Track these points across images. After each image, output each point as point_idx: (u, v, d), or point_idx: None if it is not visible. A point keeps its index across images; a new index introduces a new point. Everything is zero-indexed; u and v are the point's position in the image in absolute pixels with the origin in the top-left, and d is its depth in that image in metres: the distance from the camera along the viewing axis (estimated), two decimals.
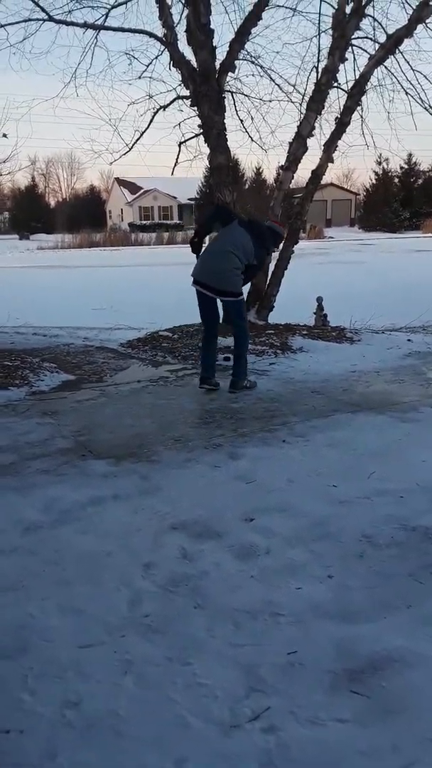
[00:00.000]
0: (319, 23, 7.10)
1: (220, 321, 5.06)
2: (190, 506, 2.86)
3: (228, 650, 1.89)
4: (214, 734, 1.58)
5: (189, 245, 4.96)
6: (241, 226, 4.77)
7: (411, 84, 7.31)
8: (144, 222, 48.74)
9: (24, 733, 1.59)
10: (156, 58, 7.16)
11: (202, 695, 1.71)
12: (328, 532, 2.59)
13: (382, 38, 6.93)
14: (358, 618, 2.02)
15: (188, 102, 6.92)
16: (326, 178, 8.49)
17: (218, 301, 4.85)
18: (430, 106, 7.33)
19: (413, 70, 7.29)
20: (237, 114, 7.67)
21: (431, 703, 1.66)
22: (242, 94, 7.64)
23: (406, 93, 7.33)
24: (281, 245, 5.14)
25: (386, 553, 2.41)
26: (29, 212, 49.68)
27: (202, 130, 6.85)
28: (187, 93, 6.88)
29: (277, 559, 2.40)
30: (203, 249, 4.82)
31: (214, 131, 6.69)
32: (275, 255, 7.17)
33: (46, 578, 2.29)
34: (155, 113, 7.30)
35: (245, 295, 4.99)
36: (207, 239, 5.02)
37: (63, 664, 1.83)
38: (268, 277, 7.17)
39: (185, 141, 7.35)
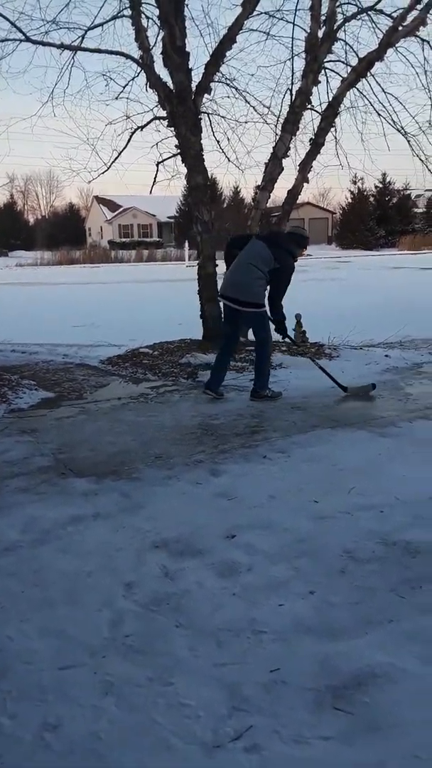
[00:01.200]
0: (292, 47, 7.24)
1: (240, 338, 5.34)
2: (171, 524, 2.84)
3: (210, 669, 1.87)
4: (196, 755, 1.56)
5: None
6: (258, 239, 5.10)
7: (383, 106, 7.48)
8: (123, 239, 48.85)
9: (2, 757, 1.56)
10: (132, 79, 7.24)
11: (184, 715, 1.69)
12: (309, 548, 2.59)
13: (354, 61, 7.09)
14: (341, 634, 2.01)
15: (165, 123, 7.00)
16: (303, 198, 8.62)
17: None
18: (402, 127, 7.50)
19: (385, 93, 7.46)
20: (213, 135, 7.77)
21: (415, 718, 1.66)
22: (218, 115, 7.75)
23: (379, 114, 7.49)
24: (305, 247, 5.28)
25: (368, 568, 2.42)
26: (8, 229, 49.53)
27: (179, 151, 6.93)
28: (164, 114, 6.96)
29: (259, 576, 2.39)
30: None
31: (191, 151, 6.77)
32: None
33: (26, 599, 2.26)
34: (132, 133, 7.37)
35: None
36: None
37: (43, 687, 1.80)
38: None
39: (163, 161, 7.42)
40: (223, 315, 5.18)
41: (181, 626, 2.09)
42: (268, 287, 5.03)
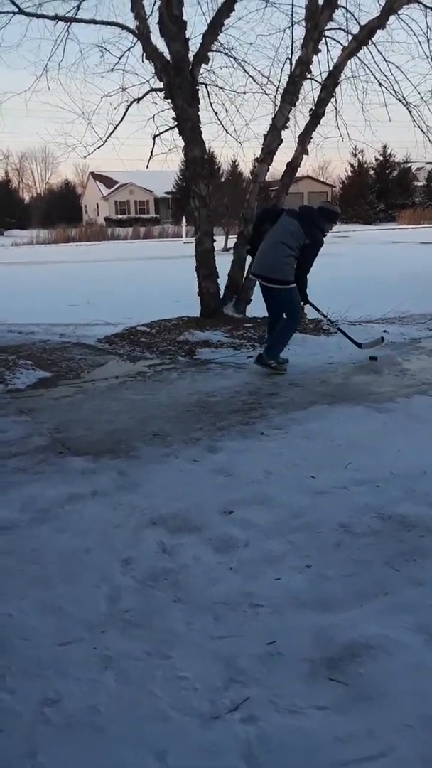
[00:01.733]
0: (292, 15, 7.09)
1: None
2: (169, 501, 2.86)
3: (207, 642, 1.90)
4: (194, 726, 1.59)
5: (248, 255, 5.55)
6: (288, 216, 5.12)
7: (384, 75, 7.33)
8: (120, 216, 48.33)
9: (3, 732, 1.59)
10: (128, 50, 7.09)
11: (181, 688, 1.72)
12: (305, 523, 2.61)
13: (355, 29, 6.94)
14: (336, 607, 2.04)
15: (162, 94, 6.87)
16: (302, 171, 8.51)
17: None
18: (403, 97, 7.37)
19: (386, 62, 7.31)
20: (211, 106, 7.64)
21: (408, 689, 1.69)
22: (216, 86, 7.62)
23: (380, 84, 7.35)
24: (335, 222, 5.35)
25: (363, 541, 2.44)
26: (3, 208, 48.87)
27: (176, 123, 6.81)
28: (160, 85, 6.83)
29: (255, 551, 2.41)
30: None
31: (188, 124, 6.65)
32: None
33: (25, 577, 2.28)
34: (129, 106, 7.24)
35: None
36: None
37: (42, 663, 1.83)
38: (245, 271, 7.18)
39: (160, 134, 7.29)
40: (261, 294, 5.32)
41: (179, 601, 2.12)
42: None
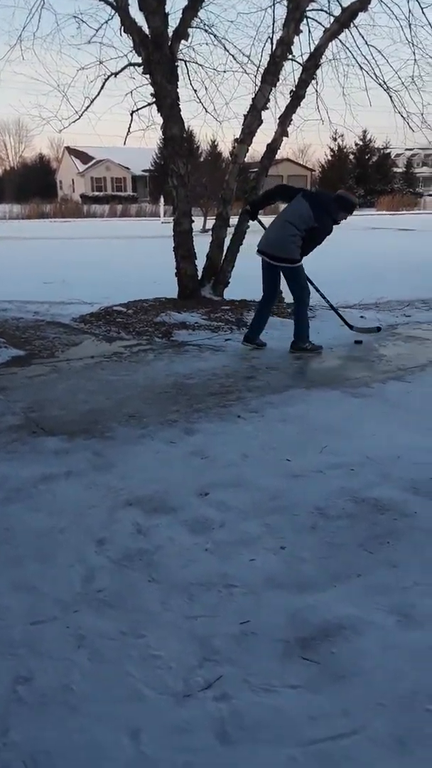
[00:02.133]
0: None
1: (278, 292, 5.51)
2: (144, 482, 2.85)
3: (182, 622, 1.90)
4: (167, 705, 1.59)
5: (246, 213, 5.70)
6: (303, 197, 5.13)
7: (366, 59, 7.29)
8: (96, 193, 47.49)
9: None
10: (106, 22, 6.90)
11: (155, 667, 1.72)
12: (281, 506, 2.63)
13: (337, 11, 6.85)
14: (310, 588, 2.06)
15: (140, 69, 6.71)
16: (282, 154, 8.44)
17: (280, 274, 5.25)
18: (384, 82, 7.34)
19: (368, 45, 7.29)
20: (191, 84, 7.51)
21: (380, 668, 1.71)
22: (196, 63, 7.49)
23: (361, 68, 7.30)
24: (351, 212, 5.31)
25: (337, 524, 2.47)
26: None
27: (154, 99, 6.67)
28: (139, 60, 6.67)
29: (231, 533, 2.42)
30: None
31: (167, 100, 6.53)
32: (230, 230, 7.15)
33: None
34: (106, 80, 7.07)
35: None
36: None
37: (14, 642, 1.81)
38: (224, 252, 7.13)
39: (137, 110, 7.14)
40: (261, 271, 5.35)
41: (154, 581, 2.11)
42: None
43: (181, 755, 1.45)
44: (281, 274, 5.27)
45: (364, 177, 44.84)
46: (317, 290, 5.56)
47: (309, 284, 5.40)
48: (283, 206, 5.36)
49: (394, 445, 3.21)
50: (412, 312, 7.15)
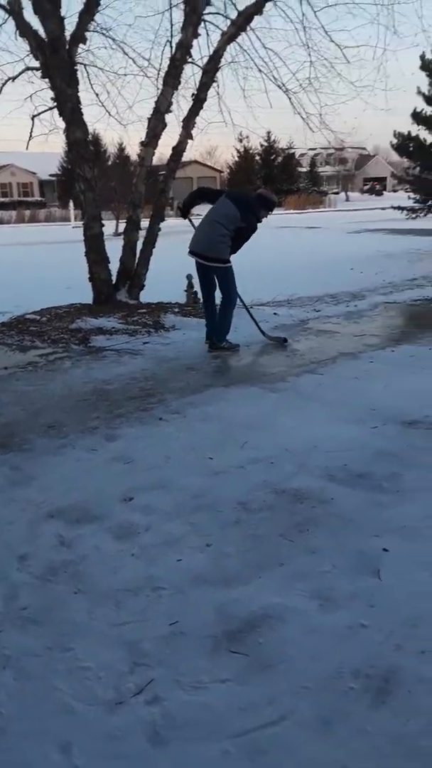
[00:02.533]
0: None
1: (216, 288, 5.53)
2: (66, 492, 2.80)
3: (110, 630, 1.89)
4: (98, 715, 1.58)
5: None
6: (227, 198, 5.31)
7: (264, 62, 7.46)
8: (2, 199, 45.88)
9: None
10: (0, 26, 6.70)
11: (85, 678, 1.70)
12: (205, 503, 2.66)
13: (234, 14, 6.99)
14: (236, 581, 2.10)
15: (39, 73, 6.57)
16: (190, 156, 8.51)
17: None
18: (283, 84, 7.55)
19: (265, 48, 7.43)
20: (92, 87, 7.42)
21: (304, 653, 1.77)
22: (96, 66, 7.41)
23: (260, 70, 7.46)
24: (272, 210, 5.54)
25: (259, 516, 2.53)
26: None
27: (55, 104, 6.55)
28: (36, 64, 6.52)
29: (157, 535, 2.43)
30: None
31: (68, 105, 6.43)
32: (142, 234, 7.13)
33: None
34: (3, 84, 6.86)
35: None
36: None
37: None
38: (137, 256, 7.10)
39: (38, 114, 6.99)
40: (196, 271, 5.51)
41: (80, 592, 2.09)
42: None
43: (114, 763, 1.45)
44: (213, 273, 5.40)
45: (270, 177, 45.79)
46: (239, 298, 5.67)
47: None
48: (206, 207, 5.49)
49: (310, 436, 3.32)
50: (321, 307, 7.40)
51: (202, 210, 5.60)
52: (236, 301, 5.49)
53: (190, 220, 5.70)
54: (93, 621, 1.94)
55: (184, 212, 5.63)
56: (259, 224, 5.39)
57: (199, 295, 7.34)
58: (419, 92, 13.06)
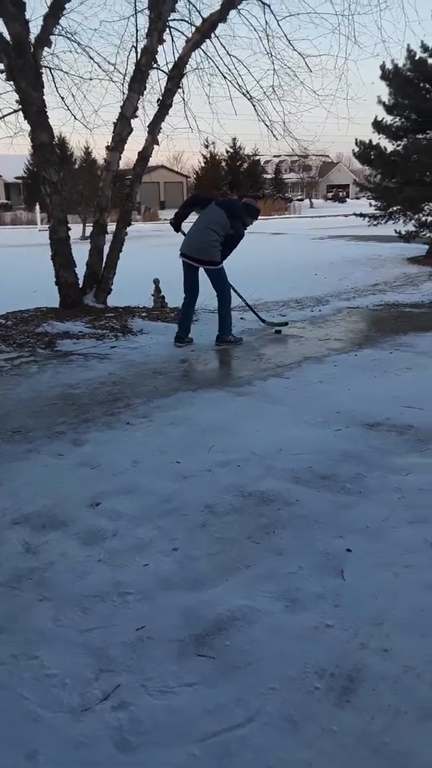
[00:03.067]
0: (135, 2, 7.02)
1: (199, 292, 5.85)
2: (32, 498, 2.77)
3: (76, 637, 1.88)
4: (64, 722, 1.57)
5: (171, 226, 5.99)
6: (217, 206, 5.60)
7: (228, 69, 7.54)
8: None
9: None
10: None
11: (50, 686, 1.68)
12: (172, 507, 2.66)
13: (198, 21, 7.04)
14: (203, 585, 2.11)
15: (3, 76, 6.50)
16: (157, 160, 8.53)
17: (200, 272, 5.69)
18: (247, 91, 7.62)
19: (230, 56, 7.60)
20: (57, 91, 7.38)
21: (271, 653, 1.79)
22: (61, 70, 7.38)
23: (224, 77, 7.53)
24: (256, 218, 5.86)
25: (226, 519, 2.54)
26: None
27: (20, 106, 6.49)
28: (1, 66, 6.45)
29: (124, 540, 2.42)
30: (188, 228, 5.73)
31: (33, 108, 6.37)
32: (109, 237, 7.10)
33: None
34: None
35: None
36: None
37: None
38: (104, 260, 7.06)
39: (3, 116, 6.90)
40: (183, 272, 5.74)
41: (45, 599, 2.06)
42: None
43: None
44: (204, 274, 5.64)
45: (236, 183, 46.07)
46: (235, 291, 5.98)
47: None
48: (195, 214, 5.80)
49: (276, 439, 3.36)
50: (287, 312, 7.48)
51: (191, 217, 5.84)
52: (230, 298, 5.74)
53: (183, 233, 5.81)
54: (59, 628, 1.92)
55: (177, 224, 5.82)
56: (245, 231, 5.66)
57: (167, 299, 7.39)
58: (380, 101, 13.30)
